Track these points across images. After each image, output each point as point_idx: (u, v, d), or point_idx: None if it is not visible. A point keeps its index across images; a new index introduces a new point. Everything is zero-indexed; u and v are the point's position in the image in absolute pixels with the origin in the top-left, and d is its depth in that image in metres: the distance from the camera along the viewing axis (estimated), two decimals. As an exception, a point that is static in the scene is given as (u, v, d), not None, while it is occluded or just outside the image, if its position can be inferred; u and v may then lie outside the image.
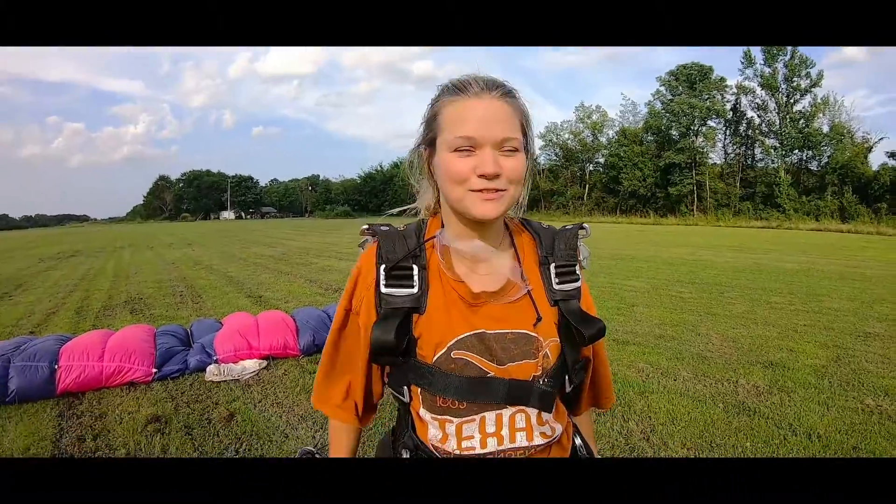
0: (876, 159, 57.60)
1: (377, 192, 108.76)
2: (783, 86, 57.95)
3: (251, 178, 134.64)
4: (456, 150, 1.16)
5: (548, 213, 70.26)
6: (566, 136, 75.39)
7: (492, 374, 1.21)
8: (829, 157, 56.40)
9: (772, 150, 59.44)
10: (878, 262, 18.59)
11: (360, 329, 1.29)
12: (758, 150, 61.54)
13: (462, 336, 1.21)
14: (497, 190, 1.16)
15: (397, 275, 1.25)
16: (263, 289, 11.58)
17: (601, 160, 73.68)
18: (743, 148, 62.81)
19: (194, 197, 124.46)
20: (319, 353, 5.96)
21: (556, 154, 76.66)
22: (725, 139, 63.62)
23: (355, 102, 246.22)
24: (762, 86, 58.96)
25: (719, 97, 62.86)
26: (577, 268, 1.36)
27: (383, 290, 1.24)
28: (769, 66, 58.62)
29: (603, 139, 73.62)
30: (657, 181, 61.89)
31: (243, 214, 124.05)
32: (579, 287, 1.34)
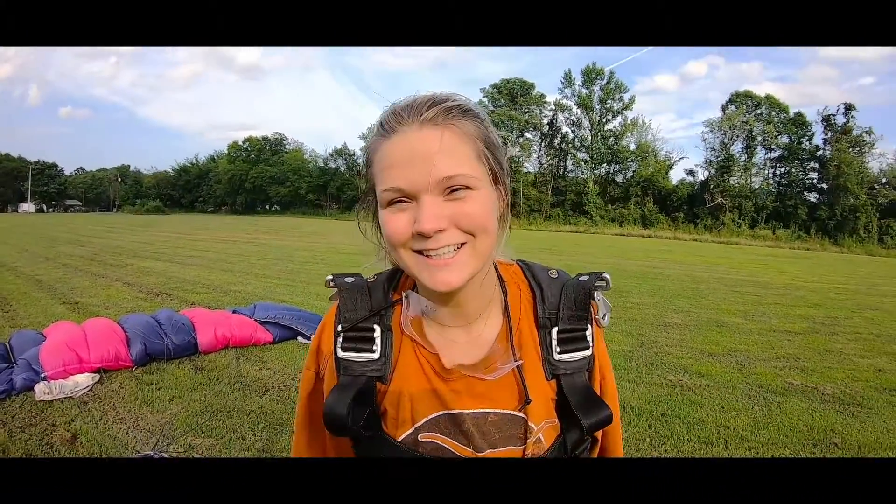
0: (676, 175, 63.85)
1: (192, 187, 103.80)
2: (597, 106, 62.87)
3: (55, 166, 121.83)
4: (389, 206, 0.94)
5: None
6: (389, 140, 76.62)
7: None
8: (633, 171, 62.01)
9: (582, 163, 64.22)
10: (676, 263, 20.99)
11: (324, 396, 1.07)
12: (569, 162, 66.24)
13: (432, 416, 1.03)
14: (452, 250, 0.93)
15: (355, 336, 1.05)
16: (78, 294, 10.74)
17: (421, 163, 75.78)
18: (556, 159, 66.98)
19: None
20: (152, 362, 5.83)
21: (376, 155, 77.65)
22: (540, 150, 67.61)
23: (174, 87, 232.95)
24: (578, 105, 63.50)
25: (538, 112, 66.66)
26: (591, 331, 1.07)
27: (339, 353, 1.06)
28: (587, 88, 63.13)
29: (425, 145, 75.76)
30: (474, 186, 65.91)
31: (45, 207, 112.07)
32: (589, 357, 1.07)
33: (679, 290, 13.20)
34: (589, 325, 1.07)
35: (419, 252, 0.93)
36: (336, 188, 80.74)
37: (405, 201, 0.91)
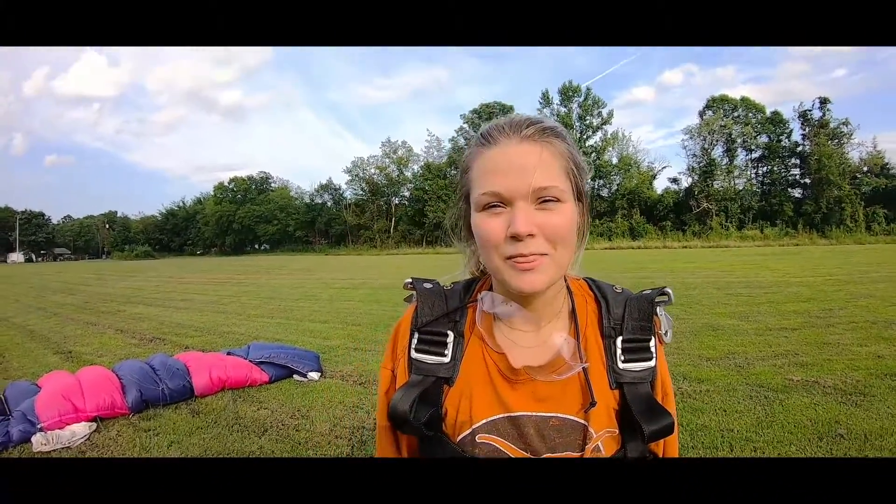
0: (660, 185, 64.64)
1: (179, 231, 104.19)
2: (577, 123, 63.47)
3: (42, 215, 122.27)
4: (484, 209, 1.00)
5: (355, 248, 71.17)
6: (372, 170, 77.11)
7: None
8: (618, 184, 62.39)
9: (567, 180, 64.49)
10: (667, 272, 21.17)
11: None
12: (553, 181, 66.52)
13: (492, 418, 1.06)
14: (537, 255, 0.97)
15: (429, 339, 1.11)
16: (72, 343, 10.60)
17: (406, 194, 76.44)
18: (540, 179, 67.50)
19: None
20: (149, 409, 5.77)
21: (361, 189, 77.97)
22: (524, 172, 68.56)
23: (157, 131, 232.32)
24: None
25: (517, 133, 67.86)
26: (654, 343, 1.12)
27: (413, 354, 1.11)
28: (565, 106, 63.94)
29: (408, 173, 76.20)
30: (461, 212, 68.17)
31: (34, 256, 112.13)
32: (653, 368, 1.11)
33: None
34: (652, 338, 1.11)
35: (508, 258, 0.98)
36: (324, 223, 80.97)
37: (500, 206, 0.98)
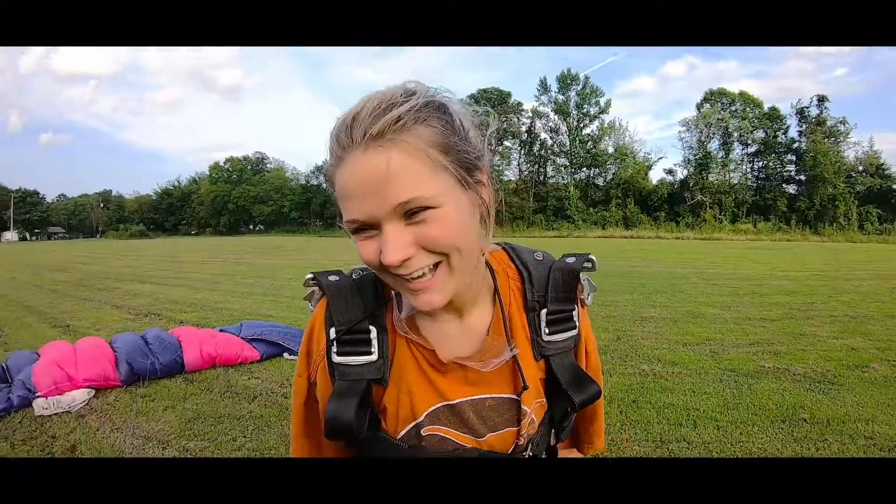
0: (655, 175, 64.73)
1: (174, 210, 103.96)
2: (574, 112, 63.32)
3: (37, 194, 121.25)
4: (356, 234, 0.87)
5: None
6: (367, 153, 77.02)
7: (468, 446, 1.04)
8: (613, 173, 62.51)
9: (562, 168, 64.74)
10: (657, 262, 21.24)
11: (319, 402, 1.07)
12: (549, 168, 66.79)
13: (432, 409, 1.02)
14: (425, 272, 0.87)
15: (351, 339, 1.01)
16: (69, 317, 10.75)
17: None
18: (536, 166, 67.47)
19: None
20: (139, 381, 5.88)
21: (356, 171, 77.98)
22: (520, 158, 68.32)
23: (155, 111, 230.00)
24: (555, 111, 63.99)
25: (516, 120, 67.17)
26: (577, 312, 1.10)
27: (335, 358, 1.01)
28: (563, 94, 63.65)
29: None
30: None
31: (28, 235, 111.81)
32: (575, 336, 1.10)
33: (658, 286, 13.33)
34: (575, 306, 1.09)
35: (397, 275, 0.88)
36: (319, 205, 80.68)
37: (369, 230, 0.85)
